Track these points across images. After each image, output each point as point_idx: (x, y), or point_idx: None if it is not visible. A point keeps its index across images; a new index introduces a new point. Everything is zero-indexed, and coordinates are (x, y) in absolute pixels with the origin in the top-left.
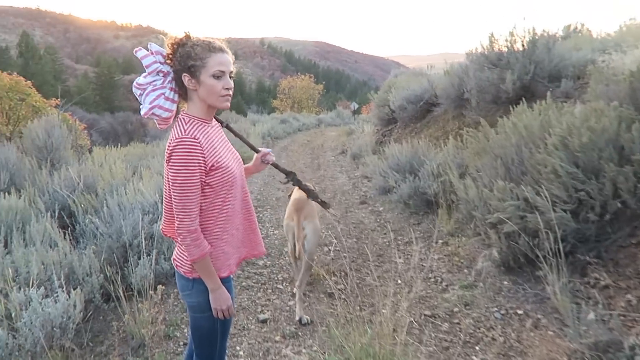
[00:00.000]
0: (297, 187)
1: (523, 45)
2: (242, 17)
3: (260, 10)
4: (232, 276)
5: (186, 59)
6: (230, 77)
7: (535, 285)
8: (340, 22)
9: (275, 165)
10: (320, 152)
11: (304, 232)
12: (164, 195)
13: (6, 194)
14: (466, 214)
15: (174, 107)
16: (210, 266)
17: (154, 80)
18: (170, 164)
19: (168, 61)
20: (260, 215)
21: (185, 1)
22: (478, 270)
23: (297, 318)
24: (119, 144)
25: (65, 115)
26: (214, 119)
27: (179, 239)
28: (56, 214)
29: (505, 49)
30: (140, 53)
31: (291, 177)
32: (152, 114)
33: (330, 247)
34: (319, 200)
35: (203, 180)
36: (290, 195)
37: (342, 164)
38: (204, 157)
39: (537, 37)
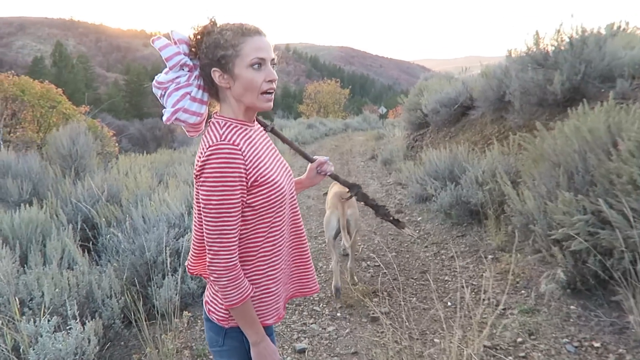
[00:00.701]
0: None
1: (571, 44)
2: (268, 24)
3: (286, 16)
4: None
5: (214, 49)
6: (272, 66)
7: (610, 312)
8: (364, 27)
9: (335, 177)
10: (349, 157)
11: (348, 221)
12: (193, 222)
13: (27, 205)
14: (521, 228)
15: (203, 109)
16: (252, 313)
17: (177, 77)
18: (202, 180)
19: (193, 54)
20: None
21: (211, 9)
22: (541, 292)
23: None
24: (147, 151)
25: (93, 121)
26: (256, 122)
27: (212, 277)
28: (78, 227)
29: (551, 48)
30: (159, 42)
31: (355, 191)
32: (177, 119)
33: (368, 262)
34: (391, 218)
35: (243, 199)
36: (325, 194)
37: (373, 169)
38: (245, 168)
39: (586, 35)
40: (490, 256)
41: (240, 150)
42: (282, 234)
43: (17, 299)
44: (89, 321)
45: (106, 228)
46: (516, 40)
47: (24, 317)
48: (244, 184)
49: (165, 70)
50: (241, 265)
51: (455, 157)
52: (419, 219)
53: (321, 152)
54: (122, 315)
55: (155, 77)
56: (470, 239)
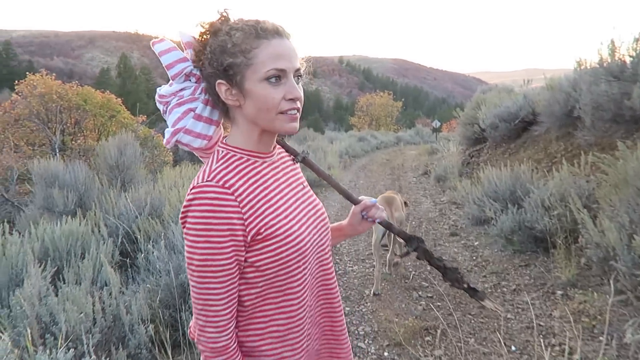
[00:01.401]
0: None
1: None
2: (321, 36)
3: (339, 28)
4: None
5: (220, 55)
6: (297, 79)
7: None
8: (418, 39)
9: (388, 226)
10: (401, 172)
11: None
12: None
13: (69, 217)
14: (598, 262)
15: (211, 130)
16: None
17: (181, 89)
18: (185, 231)
19: (197, 61)
20: (337, 245)
21: (268, 19)
22: (624, 342)
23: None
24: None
25: (148, 131)
26: (277, 149)
27: (202, 357)
28: (119, 241)
29: (629, 59)
30: (160, 46)
31: (414, 246)
32: (178, 142)
33: (420, 293)
34: (465, 285)
35: (240, 259)
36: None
37: (425, 186)
38: (242, 218)
39: None
40: (559, 292)
41: (232, 193)
42: (302, 302)
43: (36, 325)
44: (105, 356)
45: (145, 244)
46: (584, 50)
47: (42, 345)
48: (239, 238)
49: (170, 81)
50: (245, 342)
51: (517, 176)
52: (475, 243)
53: (372, 166)
54: (151, 343)
55: (158, 90)
56: (535, 270)
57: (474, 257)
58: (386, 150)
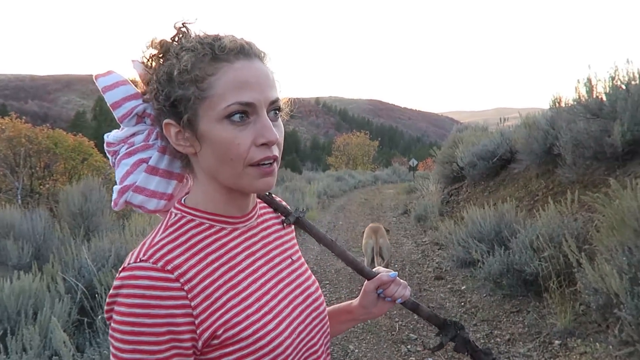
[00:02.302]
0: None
1: (628, 91)
2: (298, 78)
3: (316, 70)
4: None
5: (166, 86)
6: (273, 114)
7: None
8: (392, 80)
9: (413, 308)
10: (380, 212)
11: (380, 248)
12: None
13: (21, 272)
14: (598, 309)
15: (170, 187)
16: None
17: (132, 135)
18: (110, 332)
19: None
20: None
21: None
22: None
23: None
24: None
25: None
26: (259, 208)
27: None
28: (77, 297)
29: (605, 96)
30: (104, 81)
31: (451, 335)
32: (127, 203)
33: (409, 347)
34: None
35: None
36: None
37: (406, 226)
38: (190, 314)
39: None
40: (557, 341)
41: (176, 278)
42: None
43: None
44: None
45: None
46: (555, 90)
47: None
48: (186, 345)
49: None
50: None
51: (501, 216)
52: (462, 287)
53: (351, 206)
54: None
55: (105, 136)
56: (528, 317)
57: (462, 303)
58: (364, 189)
